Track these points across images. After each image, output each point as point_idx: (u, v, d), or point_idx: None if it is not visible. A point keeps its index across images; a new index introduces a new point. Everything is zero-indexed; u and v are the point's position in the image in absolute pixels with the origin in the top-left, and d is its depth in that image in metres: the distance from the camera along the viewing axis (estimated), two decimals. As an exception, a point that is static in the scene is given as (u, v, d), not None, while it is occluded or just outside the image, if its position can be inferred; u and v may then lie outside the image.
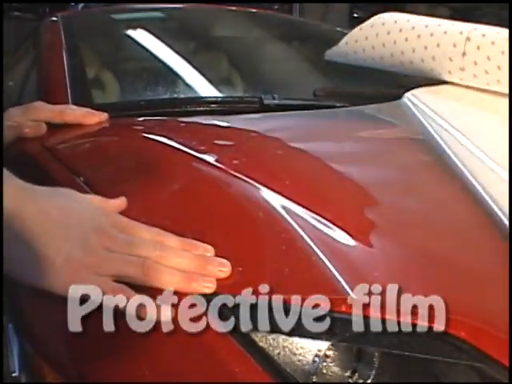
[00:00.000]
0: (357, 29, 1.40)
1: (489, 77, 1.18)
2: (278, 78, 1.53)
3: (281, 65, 1.65)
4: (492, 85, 1.18)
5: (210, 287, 0.60)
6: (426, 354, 0.58)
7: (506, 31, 1.19)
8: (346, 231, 0.67)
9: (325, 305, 0.58)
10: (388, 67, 1.33)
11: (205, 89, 1.40)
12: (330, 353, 0.58)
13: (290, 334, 0.58)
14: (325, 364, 0.57)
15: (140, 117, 1.04)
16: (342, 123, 1.08)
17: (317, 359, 0.57)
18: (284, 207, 0.70)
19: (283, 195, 0.71)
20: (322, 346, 0.58)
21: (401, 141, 1.00)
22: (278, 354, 0.57)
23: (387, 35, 1.32)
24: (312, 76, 1.59)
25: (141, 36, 1.61)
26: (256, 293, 0.60)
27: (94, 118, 0.95)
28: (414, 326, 0.59)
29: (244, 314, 0.58)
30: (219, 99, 1.19)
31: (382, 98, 1.20)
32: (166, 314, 0.58)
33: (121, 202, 0.69)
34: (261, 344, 0.57)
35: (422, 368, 0.60)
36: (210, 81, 1.42)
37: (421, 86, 1.22)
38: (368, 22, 1.38)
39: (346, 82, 1.43)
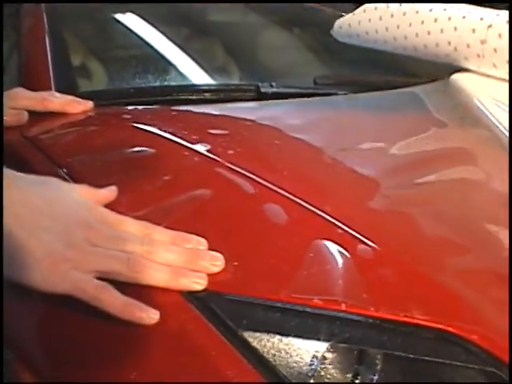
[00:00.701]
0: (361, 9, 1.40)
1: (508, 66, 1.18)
2: (278, 65, 1.54)
3: (281, 52, 1.65)
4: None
5: (200, 283, 0.60)
6: (432, 356, 0.58)
7: None
8: (346, 225, 0.68)
9: (323, 304, 0.59)
10: (400, 50, 1.33)
11: (199, 77, 1.40)
12: (328, 355, 0.59)
13: (286, 334, 0.58)
14: (323, 366, 0.58)
15: (129, 105, 1.04)
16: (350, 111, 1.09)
17: (314, 361, 0.58)
18: (281, 200, 0.70)
19: (280, 187, 0.72)
20: (320, 347, 0.58)
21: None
22: (273, 355, 0.57)
23: (403, 16, 1.32)
24: (314, 63, 1.59)
25: (131, 21, 1.61)
26: (251, 290, 0.60)
27: (78, 106, 0.95)
28: (420, 326, 0.59)
29: (237, 312, 0.59)
30: (213, 87, 1.20)
31: (386, 86, 1.20)
32: (151, 316, 0.58)
33: (110, 193, 0.70)
34: (254, 344, 0.57)
35: (428, 371, 0.60)
36: (205, 68, 1.42)
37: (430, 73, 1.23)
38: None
39: (348, 70, 1.43)
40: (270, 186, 0.72)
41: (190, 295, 0.60)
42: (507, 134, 0.98)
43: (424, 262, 0.67)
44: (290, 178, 0.75)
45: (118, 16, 1.65)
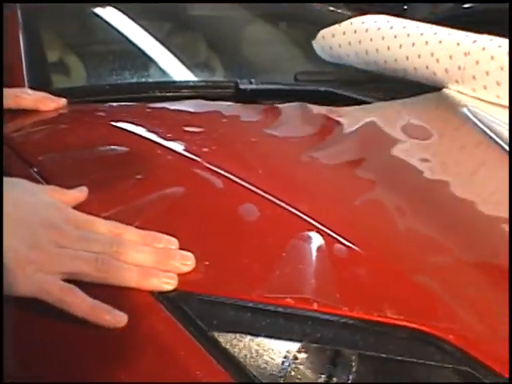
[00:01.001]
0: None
1: (487, 91, 1.21)
2: (262, 60, 1.55)
3: (266, 47, 1.66)
4: (491, 98, 1.21)
5: (170, 283, 0.61)
6: (406, 356, 0.59)
7: (506, 43, 1.21)
8: (322, 224, 0.68)
9: (295, 303, 0.60)
10: (380, 71, 1.35)
11: (180, 72, 1.41)
12: (300, 355, 0.59)
13: (258, 334, 0.59)
14: (295, 366, 0.59)
15: (105, 102, 1.05)
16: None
17: (286, 361, 0.59)
18: (255, 198, 0.71)
19: (254, 185, 0.73)
20: (292, 347, 0.59)
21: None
22: (244, 355, 0.58)
23: (381, 40, 1.34)
24: (299, 59, 1.60)
25: (110, 15, 1.61)
26: (222, 290, 0.61)
27: (51, 103, 0.96)
28: (394, 326, 0.60)
29: (208, 312, 0.59)
30: (191, 84, 1.20)
31: (368, 82, 1.22)
32: (119, 319, 0.59)
33: (80, 194, 0.70)
34: (225, 345, 0.58)
35: (404, 371, 0.61)
36: (186, 64, 1.43)
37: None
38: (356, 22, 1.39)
39: (333, 67, 1.44)
40: (244, 184, 0.73)
41: (161, 295, 0.61)
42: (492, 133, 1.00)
43: (400, 261, 0.68)
44: (265, 176, 0.76)
45: (97, 10, 1.65)
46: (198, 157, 0.78)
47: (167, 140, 0.83)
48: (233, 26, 1.74)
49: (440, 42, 1.25)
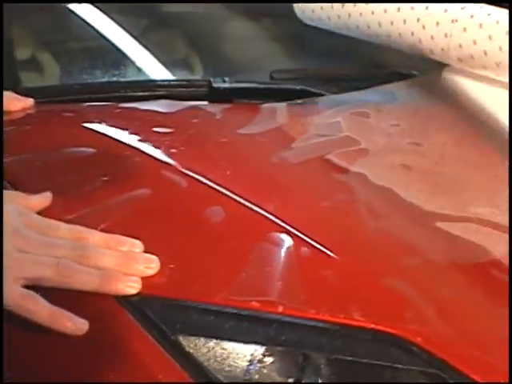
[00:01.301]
0: None
1: (474, 62, 1.20)
2: (242, 59, 1.55)
3: (247, 45, 1.66)
4: (478, 69, 1.20)
5: (134, 287, 0.61)
6: (372, 358, 0.60)
7: (499, 12, 1.20)
8: (289, 225, 0.69)
9: (260, 306, 0.61)
10: (362, 36, 1.34)
11: (154, 71, 1.41)
12: (266, 358, 0.60)
13: (222, 338, 0.60)
14: (260, 370, 0.60)
15: (76, 102, 1.05)
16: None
17: (251, 365, 0.60)
18: (222, 200, 0.72)
19: (221, 186, 0.73)
20: (258, 351, 0.60)
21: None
22: (208, 359, 0.59)
23: (365, 4, 1.33)
24: (281, 57, 1.60)
25: (85, 11, 1.60)
26: (186, 293, 0.62)
27: (17, 103, 0.96)
28: (361, 328, 0.61)
29: (172, 316, 0.60)
30: (164, 83, 1.21)
31: (347, 79, 1.23)
32: (79, 326, 0.59)
33: (43, 200, 0.71)
34: (189, 349, 0.59)
35: (372, 374, 0.62)
36: (162, 62, 1.43)
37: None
38: None
39: (315, 63, 1.45)
40: (211, 185, 0.74)
41: (124, 300, 0.61)
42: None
43: (370, 263, 0.69)
44: (233, 177, 0.77)
45: (72, 7, 1.65)
46: (166, 158, 0.79)
47: (135, 141, 0.83)
48: (211, 23, 1.74)
49: (427, 7, 1.23)
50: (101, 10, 1.57)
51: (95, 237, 0.65)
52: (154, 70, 1.42)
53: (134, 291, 0.61)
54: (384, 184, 0.84)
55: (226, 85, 1.13)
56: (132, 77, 1.38)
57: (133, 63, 1.42)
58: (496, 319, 0.67)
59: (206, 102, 1.12)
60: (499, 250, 0.76)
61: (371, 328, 0.61)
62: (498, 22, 1.17)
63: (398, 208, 0.81)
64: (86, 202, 0.73)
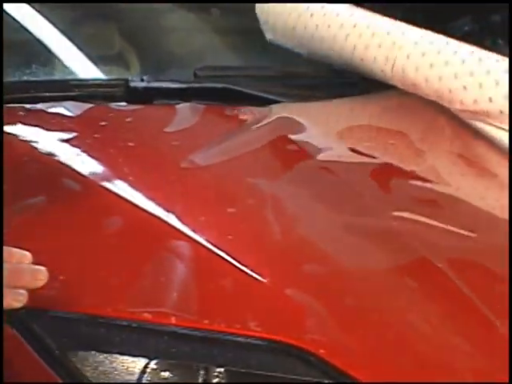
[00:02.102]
0: None
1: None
2: (184, 54, 1.54)
3: (190, 39, 1.65)
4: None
5: (19, 300, 0.62)
6: (267, 369, 0.63)
7: (445, 41, 1.23)
8: (188, 234, 0.71)
9: (152, 318, 0.63)
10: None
11: (85, 68, 1.39)
12: (165, 373, 0.62)
13: (111, 351, 0.62)
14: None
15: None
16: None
17: (141, 379, 0.62)
18: (121, 208, 0.74)
19: (121, 195, 0.75)
20: (151, 363, 0.62)
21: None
22: (97, 374, 0.61)
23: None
24: (226, 53, 1.60)
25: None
26: (76, 306, 0.64)
27: None
28: (256, 338, 0.63)
29: (59, 330, 0.62)
30: (76, 83, 1.21)
31: (275, 78, 1.25)
32: None
33: None
34: (76, 364, 0.61)
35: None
36: (92, 59, 1.42)
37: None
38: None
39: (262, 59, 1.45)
40: (110, 193, 0.76)
41: (8, 314, 0.62)
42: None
43: (271, 272, 0.70)
44: (135, 184, 0.79)
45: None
46: (65, 164, 0.80)
47: (36, 146, 0.85)
48: (151, 16, 1.73)
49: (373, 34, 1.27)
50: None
51: (-17, 249, 0.66)
52: (82, 67, 1.41)
53: (19, 305, 0.62)
54: (296, 188, 0.86)
55: (144, 84, 1.14)
56: (56, 75, 1.37)
57: (57, 59, 1.41)
58: (403, 326, 0.69)
59: (123, 103, 1.12)
60: (409, 257, 0.79)
61: (267, 338, 0.63)
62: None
63: (308, 214, 0.83)
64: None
